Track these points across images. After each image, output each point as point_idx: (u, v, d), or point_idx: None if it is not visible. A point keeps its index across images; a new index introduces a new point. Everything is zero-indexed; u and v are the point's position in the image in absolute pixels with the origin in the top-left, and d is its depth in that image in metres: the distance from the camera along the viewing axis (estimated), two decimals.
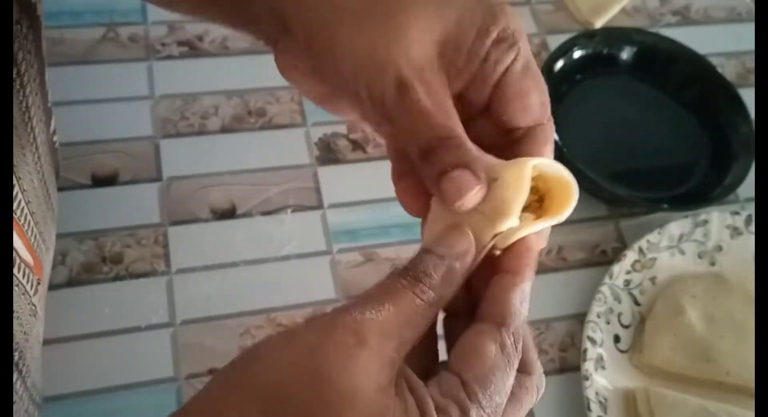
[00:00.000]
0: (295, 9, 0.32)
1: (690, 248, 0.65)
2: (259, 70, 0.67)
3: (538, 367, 0.30)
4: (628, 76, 0.74)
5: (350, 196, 0.63)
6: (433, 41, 0.31)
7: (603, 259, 0.65)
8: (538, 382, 0.30)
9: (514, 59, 0.32)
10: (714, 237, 0.65)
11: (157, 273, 0.57)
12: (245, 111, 0.66)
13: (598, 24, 0.78)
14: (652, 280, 0.63)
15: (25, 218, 0.39)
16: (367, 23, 0.31)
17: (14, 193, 0.37)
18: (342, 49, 0.31)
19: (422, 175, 0.31)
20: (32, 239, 0.41)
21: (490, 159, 0.31)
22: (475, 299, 0.31)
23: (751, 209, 0.69)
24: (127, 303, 0.56)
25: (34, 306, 0.41)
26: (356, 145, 0.66)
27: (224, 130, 0.65)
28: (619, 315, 0.60)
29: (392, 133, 0.36)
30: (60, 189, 0.57)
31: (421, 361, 0.30)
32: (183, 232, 0.59)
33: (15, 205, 0.37)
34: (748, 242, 0.65)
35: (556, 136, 0.64)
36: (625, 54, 0.74)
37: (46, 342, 0.50)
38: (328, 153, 0.66)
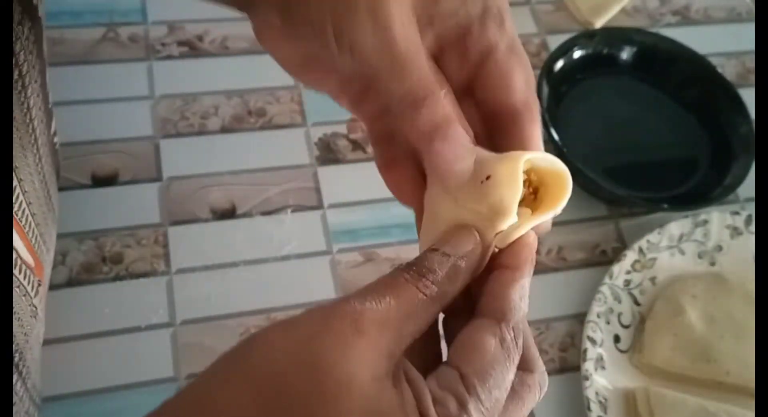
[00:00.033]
0: None
1: (690, 248, 0.65)
2: (259, 70, 0.67)
3: (540, 365, 0.30)
4: (628, 76, 0.74)
5: (350, 196, 0.63)
6: None
7: (603, 259, 0.65)
8: (541, 379, 0.30)
9: (500, 37, 0.32)
10: (714, 237, 0.65)
11: (157, 273, 0.57)
12: (245, 111, 0.66)
13: (598, 24, 0.78)
14: (652, 280, 0.63)
15: (26, 219, 0.39)
16: None
17: (15, 194, 0.37)
18: None
19: (406, 130, 0.30)
20: (33, 240, 0.41)
21: (481, 152, 0.31)
22: (474, 298, 0.31)
23: (751, 209, 0.69)
24: (127, 303, 0.56)
25: (35, 307, 0.41)
26: (356, 145, 0.66)
27: (224, 130, 0.65)
28: (619, 315, 0.60)
29: (374, 116, 0.36)
30: (60, 189, 0.57)
31: (423, 358, 0.30)
32: (183, 232, 0.59)
33: (16, 206, 0.37)
34: (748, 242, 0.65)
35: (556, 136, 0.64)
36: (625, 54, 0.74)
37: (46, 342, 0.50)
38: (328, 153, 0.66)
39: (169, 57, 0.68)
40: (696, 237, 0.65)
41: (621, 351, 0.59)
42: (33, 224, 0.41)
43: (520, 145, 0.32)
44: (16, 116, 0.37)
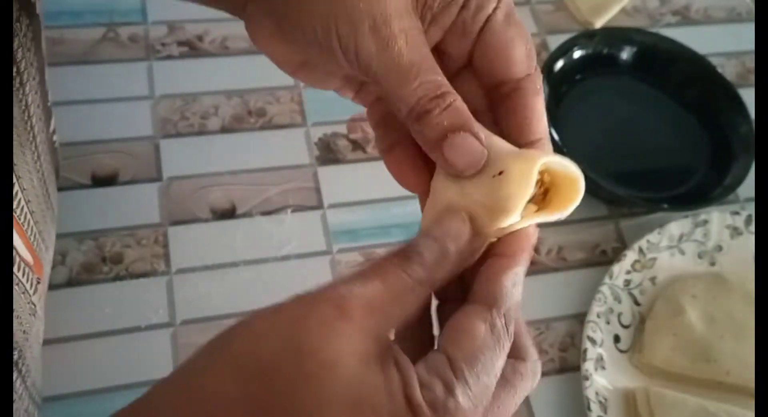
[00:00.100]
0: None
1: (690, 248, 0.65)
2: (259, 70, 0.67)
3: (532, 353, 0.30)
4: (628, 76, 0.74)
5: (350, 196, 0.63)
6: None
7: (603, 259, 0.65)
8: (534, 367, 0.30)
9: (496, 7, 0.31)
10: (714, 237, 0.65)
11: (157, 273, 0.57)
12: (245, 111, 0.66)
13: (598, 24, 0.78)
14: (652, 280, 0.63)
15: (25, 217, 0.39)
16: None
17: (14, 191, 0.37)
18: (308, 2, 0.30)
19: (418, 139, 0.31)
20: (32, 238, 0.41)
21: (497, 143, 0.30)
22: (468, 286, 0.30)
23: (751, 209, 0.69)
24: (127, 303, 0.56)
25: (34, 305, 0.41)
26: (356, 145, 0.66)
27: (224, 130, 0.65)
28: (619, 315, 0.60)
29: (374, 99, 0.36)
30: (60, 189, 0.57)
31: (416, 345, 0.30)
32: (183, 232, 0.59)
33: (14, 203, 0.37)
34: (748, 242, 0.65)
35: (555, 136, 0.64)
36: (625, 54, 0.74)
37: (47, 342, 0.50)
38: (328, 153, 0.66)
39: (169, 57, 0.68)
40: (696, 237, 0.65)
41: (621, 351, 0.59)
42: (31, 222, 0.41)
43: (522, 117, 0.32)
44: (14, 114, 0.37)
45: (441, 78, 0.30)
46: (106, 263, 0.57)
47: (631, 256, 0.62)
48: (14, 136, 0.37)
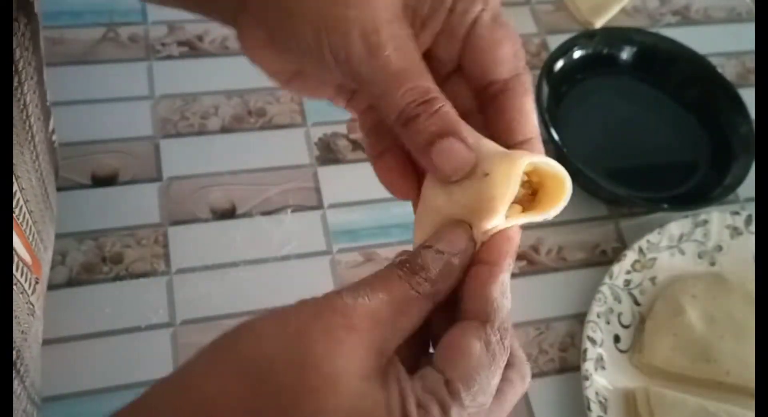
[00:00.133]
0: None
1: (690, 248, 0.65)
2: (259, 70, 0.67)
3: (519, 356, 0.30)
4: (628, 76, 0.74)
5: (350, 196, 0.63)
6: None
7: (603, 259, 0.65)
8: (522, 371, 0.30)
9: (483, 9, 0.31)
10: (714, 237, 0.65)
11: (157, 273, 0.57)
12: (245, 111, 0.66)
13: (598, 24, 0.78)
14: (652, 280, 0.63)
15: (23, 217, 0.39)
16: None
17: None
18: (298, 12, 0.30)
19: (407, 145, 0.31)
20: (30, 238, 0.41)
21: (485, 145, 0.30)
22: (455, 295, 0.30)
23: (751, 209, 0.69)
24: (127, 303, 0.56)
25: (32, 305, 0.41)
26: (356, 145, 0.66)
27: (224, 130, 0.65)
28: (619, 315, 0.60)
29: (365, 108, 0.36)
30: (60, 189, 0.57)
31: (411, 350, 0.29)
32: (183, 232, 0.59)
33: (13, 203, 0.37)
34: (748, 242, 0.65)
35: (555, 136, 0.64)
36: (625, 54, 0.74)
37: (46, 342, 0.50)
38: (328, 153, 0.66)
39: (169, 57, 0.68)
40: (696, 237, 0.65)
41: (621, 351, 0.59)
42: (30, 222, 0.41)
43: (510, 117, 0.32)
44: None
45: (429, 84, 0.30)
46: (106, 263, 0.57)
47: (631, 256, 0.62)
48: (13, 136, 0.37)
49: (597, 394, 0.56)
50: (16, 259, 0.37)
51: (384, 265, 0.29)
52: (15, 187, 0.37)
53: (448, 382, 0.26)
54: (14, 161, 0.37)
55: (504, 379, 0.29)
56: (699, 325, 0.59)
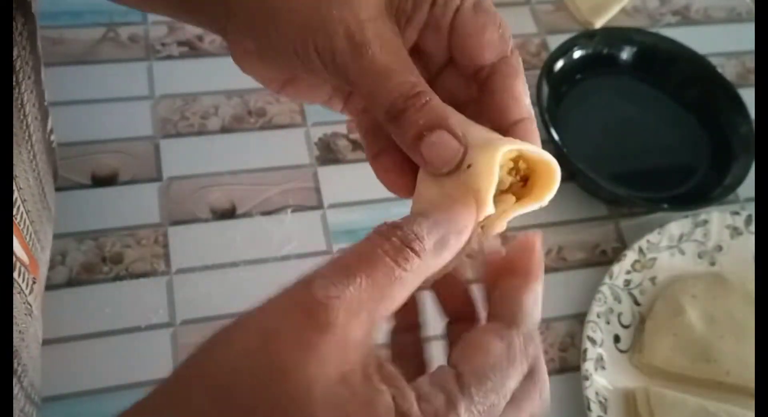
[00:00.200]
0: None
1: (690, 248, 0.65)
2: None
3: (543, 375, 0.28)
4: (628, 76, 0.74)
5: (350, 196, 0.63)
6: None
7: (603, 259, 0.65)
8: (543, 390, 0.28)
9: None
10: (714, 237, 0.65)
11: (157, 273, 0.57)
12: (245, 111, 0.66)
13: (598, 24, 0.78)
14: (652, 280, 0.63)
15: (21, 217, 0.39)
16: None
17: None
18: (283, 16, 0.30)
19: (396, 140, 0.30)
20: (27, 238, 0.41)
21: (476, 133, 0.30)
22: (484, 304, 0.30)
23: (751, 209, 0.69)
24: (127, 303, 0.56)
25: (30, 305, 0.41)
26: (356, 145, 0.66)
27: (224, 130, 0.65)
28: (619, 315, 0.60)
29: (361, 109, 0.36)
30: (59, 189, 0.57)
31: (408, 348, 0.29)
32: (183, 232, 0.59)
33: None
34: (748, 242, 0.65)
35: (556, 136, 0.64)
36: (625, 54, 0.74)
37: (46, 342, 0.50)
38: (328, 153, 0.66)
39: (169, 57, 0.68)
40: (696, 237, 0.65)
41: (621, 351, 0.59)
42: (27, 222, 0.41)
43: (500, 99, 0.31)
44: None
45: (416, 78, 0.30)
46: (106, 263, 0.57)
47: (631, 256, 0.62)
48: None
49: (597, 394, 0.56)
50: (13, 258, 0.37)
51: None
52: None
53: (460, 375, 0.25)
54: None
55: (524, 390, 0.27)
56: (699, 325, 0.59)
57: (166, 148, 0.63)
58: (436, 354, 0.33)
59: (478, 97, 0.33)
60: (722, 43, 0.81)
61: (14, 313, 0.38)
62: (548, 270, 0.63)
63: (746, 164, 0.67)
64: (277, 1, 0.30)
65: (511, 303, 0.28)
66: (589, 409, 0.55)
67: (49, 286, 0.54)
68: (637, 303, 0.62)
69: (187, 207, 0.61)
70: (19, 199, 0.39)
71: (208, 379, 0.23)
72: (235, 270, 0.58)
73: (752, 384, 0.56)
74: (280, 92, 0.36)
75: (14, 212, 0.38)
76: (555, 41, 0.73)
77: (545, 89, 0.67)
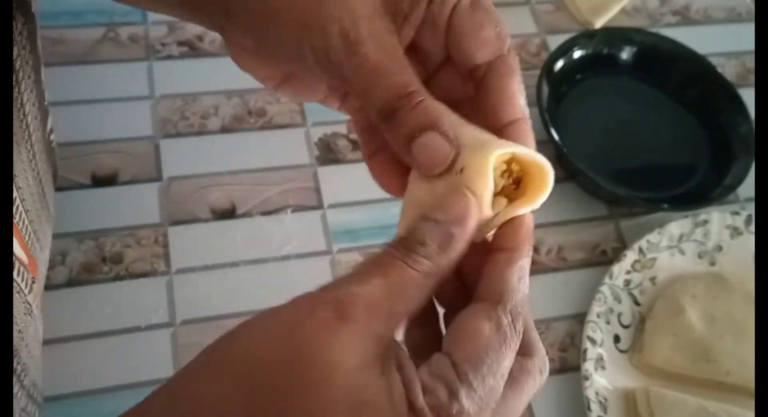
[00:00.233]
0: None
1: (690, 248, 0.65)
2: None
3: (540, 349, 0.29)
4: (628, 76, 0.74)
5: (350, 196, 0.63)
6: None
7: (603, 259, 0.65)
8: (541, 364, 0.28)
9: None
10: (714, 237, 0.65)
11: (157, 273, 0.57)
12: (245, 111, 0.66)
13: (598, 24, 0.78)
14: (652, 280, 0.63)
15: (20, 216, 0.39)
16: None
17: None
18: (282, 14, 0.30)
19: (389, 140, 0.30)
20: (27, 237, 0.41)
21: (468, 134, 0.30)
22: (471, 287, 0.30)
23: (751, 209, 0.69)
24: (127, 303, 0.56)
25: (29, 304, 0.41)
26: (356, 145, 0.66)
27: (224, 130, 0.65)
28: (619, 315, 0.60)
29: (358, 108, 0.36)
30: (59, 189, 0.57)
31: (425, 346, 0.29)
32: (183, 232, 0.59)
33: None
34: (748, 242, 0.65)
35: (556, 136, 0.64)
36: (625, 54, 0.74)
37: (46, 342, 0.50)
38: (328, 153, 0.66)
39: (169, 57, 0.68)
40: (696, 237, 0.65)
41: (621, 351, 0.59)
42: (26, 221, 0.41)
43: (495, 99, 0.31)
44: None
45: (410, 78, 0.30)
46: (106, 263, 0.57)
47: (631, 256, 0.62)
48: None
49: (597, 394, 0.56)
50: (12, 258, 0.37)
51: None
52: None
53: (455, 363, 0.26)
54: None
55: (522, 369, 0.28)
56: (699, 325, 0.59)
57: (166, 148, 0.63)
58: None
59: (475, 96, 0.32)
60: (722, 43, 0.81)
61: (14, 313, 0.38)
62: (548, 270, 0.63)
63: (746, 164, 0.67)
64: (277, 1, 0.30)
65: (496, 280, 0.28)
66: (589, 409, 0.55)
67: (49, 286, 0.54)
68: (637, 303, 0.62)
69: (187, 207, 0.61)
70: (18, 198, 0.39)
71: (233, 365, 0.25)
72: (235, 270, 0.58)
73: (752, 384, 0.56)
74: (277, 90, 0.36)
75: (13, 211, 0.38)
76: (555, 41, 0.73)
77: (545, 89, 0.67)
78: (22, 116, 0.40)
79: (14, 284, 0.37)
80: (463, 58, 0.32)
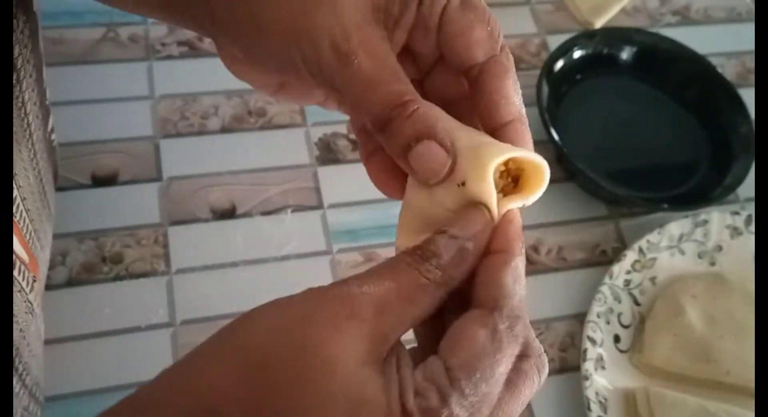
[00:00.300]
0: None
1: (690, 248, 0.65)
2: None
3: (536, 348, 0.28)
4: (628, 76, 0.74)
5: (350, 196, 0.63)
6: None
7: (603, 259, 0.65)
8: (539, 364, 0.28)
9: None
10: (714, 237, 0.65)
11: (157, 273, 0.57)
12: (245, 111, 0.66)
13: (598, 24, 0.78)
14: (652, 280, 0.63)
15: (21, 215, 0.39)
16: None
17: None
18: (269, 26, 0.30)
19: (386, 149, 0.30)
20: (27, 236, 0.41)
21: (464, 141, 0.30)
22: (465, 292, 0.29)
23: (751, 209, 0.69)
24: (127, 303, 0.56)
25: (31, 303, 0.41)
26: (356, 145, 0.66)
27: (224, 130, 0.65)
28: (619, 315, 0.60)
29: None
30: (60, 189, 0.57)
31: (430, 341, 0.29)
32: (183, 232, 0.59)
33: None
34: (748, 242, 0.65)
35: (555, 136, 0.64)
36: (625, 54, 0.74)
37: (47, 342, 0.50)
38: (328, 153, 0.66)
39: (169, 57, 0.68)
40: (696, 237, 0.65)
41: (621, 351, 0.59)
42: (27, 220, 0.41)
43: (489, 100, 0.31)
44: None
45: (404, 86, 0.30)
46: (106, 263, 0.57)
47: (631, 256, 0.62)
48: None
49: (597, 394, 0.56)
50: (13, 257, 0.37)
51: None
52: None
53: (449, 369, 0.26)
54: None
55: (518, 370, 0.27)
56: (699, 325, 0.59)
57: (166, 148, 0.63)
58: None
59: (470, 95, 0.32)
60: (722, 43, 0.81)
61: (15, 312, 0.38)
62: (548, 270, 0.63)
63: (746, 164, 0.67)
64: (263, 11, 0.30)
65: (491, 285, 0.28)
66: (589, 409, 0.55)
67: (49, 286, 0.54)
68: (637, 303, 0.62)
69: (187, 207, 0.61)
70: (19, 197, 0.39)
71: (241, 353, 0.25)
72: (235, 270, 0.58)
73: (752, 384, 0.56)
74: (273, 96, 0.36)
75: (14, 210, 0.38)
76: (555, 41, 0.73)
77: (545, 89, 0.67)
78: (23, 115, 0.40)
79: (16, 283, 0.37)
80: (456, 59, 0.32)
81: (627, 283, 0.62)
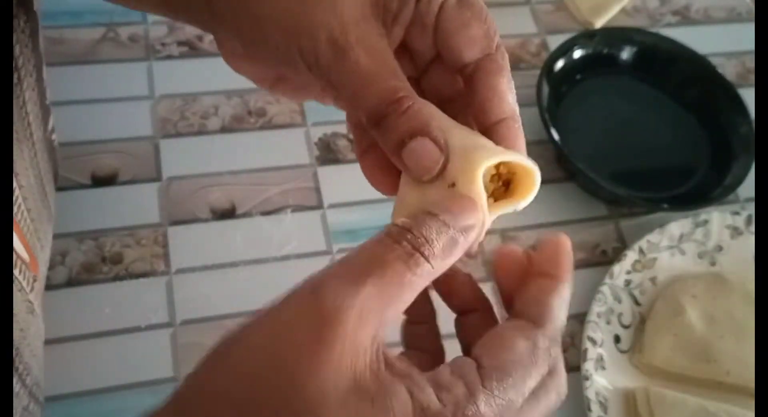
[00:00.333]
0: None
1: (690, 248, 0.65)
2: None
3: (561, 372, 0.29)
4: (628, 76, 0.74)
5: (350, 196, 0.63)
6: None
7: (603, 259, 0.64)
8: (560, 385, 0.29)
9: None
10: (714, 237, 0.65)
11: (157, 273, 0.57)
12: (245, 111, 0.66)
13: (598, 24, 0.78)
14: (653, 280, 0.63)
15: (21, 214, 0.39)
16: None
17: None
18: (268, 21, 0.30)
19: (381, 145, 0.30)
20: (28, 236, 0.41)
21: (456, 140, 0.30)
22: (505, 303, 0.30)
23: (751, 209, 0.69)
24: (127, 303, 0.56)
25: (31, 303, 0.41)
26: None
27: (224, 130, 0.65)
28: (619, 315, 0.60)
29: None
30: (60, 189, 0.57)
31: (420, 339, 0.29)
32: (183, 232, 0.59)
33: None
34: (748, 242, 0.65)
35: (556, 136, 0.64)
36: (625, 54, 0.74)
37: (47, 342, 0.50)
38: (328, 153, 0.66)
39: (169, 57, 0.68)
40: (696, 237, 0.65)
41: (621, 351, 0.59)
42: (28, 219, 0.41)
43: (484, 98, 0.31)
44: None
45: (399, 82, 0.30)
46: (105, 263, 0.57)
47: (631, 256, 0.62)
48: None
49: (597, 394, 0.56)
50: (14, 256, 0.37)
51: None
52: (13, 184, 0.37)
53: (483, 368, 0.26)
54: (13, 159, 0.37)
55: (542, 385, 0.28)
56: (699, 325, 0.59)
57: (166, 148, 0.63)
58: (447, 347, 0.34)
59: (465, 93, 0.32)
60: (722, 43, 0.81)
61: (15, 312, 0.38)
62: None
63: (746, 164, 0.67)
64: (263, 5, 0.30)
65: (539, 304, 0.28)
66: (589, 409, 0.55)
67: (49, 286, 0.54)
68: (637, 303, 0.62)
69: (187, 207, 0.61)
70: (20, 196, 0.39)
71: (229, 389, 0.24)
72: (235, 270, 0.58)
73: (752, 384, 0.56)
74: (271, 90, 0.36)
75: (15, 210, 0.38)
76: (555, 41, 0.73)
77: (545, 89, 0.67)
78: (24, 115, 0.40)
79: (16, 282, 0.37)
80: (452, 57, 0.32)
81: (627, 283, 0.62)
